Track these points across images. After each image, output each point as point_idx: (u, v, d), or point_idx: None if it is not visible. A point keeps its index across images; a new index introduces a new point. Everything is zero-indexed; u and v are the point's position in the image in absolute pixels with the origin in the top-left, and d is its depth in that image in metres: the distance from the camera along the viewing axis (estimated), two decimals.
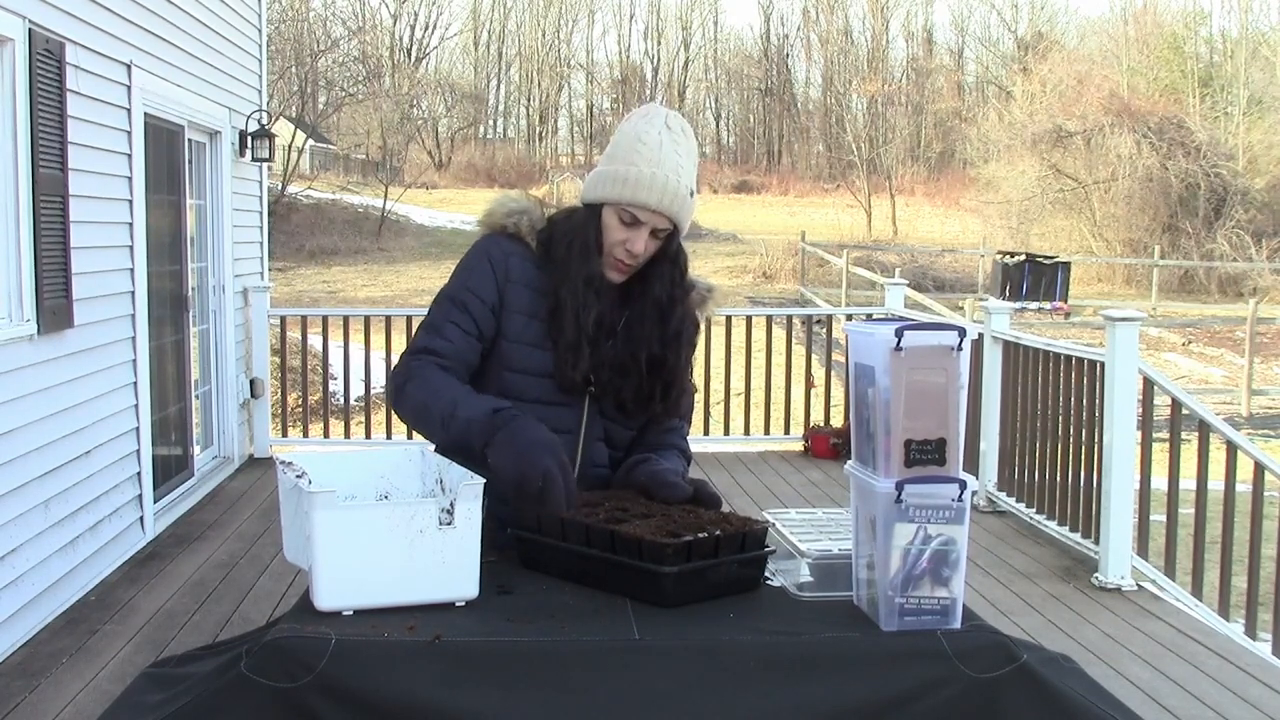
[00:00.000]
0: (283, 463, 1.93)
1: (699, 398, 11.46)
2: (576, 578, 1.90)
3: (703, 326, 2.43)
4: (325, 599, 1.71)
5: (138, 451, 5.51)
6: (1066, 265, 23.41)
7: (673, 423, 2.32)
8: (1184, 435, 5.30)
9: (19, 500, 4.27)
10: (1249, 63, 34.56)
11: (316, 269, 24.53)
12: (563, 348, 2.16)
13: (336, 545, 1.71)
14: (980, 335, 6.40)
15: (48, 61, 4.44)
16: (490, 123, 55.46)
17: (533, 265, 2.21)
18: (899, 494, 1.66)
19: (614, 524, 1.87)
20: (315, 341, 8.64)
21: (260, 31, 8.03)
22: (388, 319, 7.93)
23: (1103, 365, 5.20)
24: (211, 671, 1.69)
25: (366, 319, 8.08)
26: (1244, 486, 5.02)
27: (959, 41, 54.03)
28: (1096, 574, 5.19)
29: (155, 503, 5.77)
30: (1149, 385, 5.33)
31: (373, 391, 8.19)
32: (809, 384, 8.49)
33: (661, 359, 2.22)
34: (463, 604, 1.78)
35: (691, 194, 2.16)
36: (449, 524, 1.75)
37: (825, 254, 24.49)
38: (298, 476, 1.87)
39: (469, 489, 1.77)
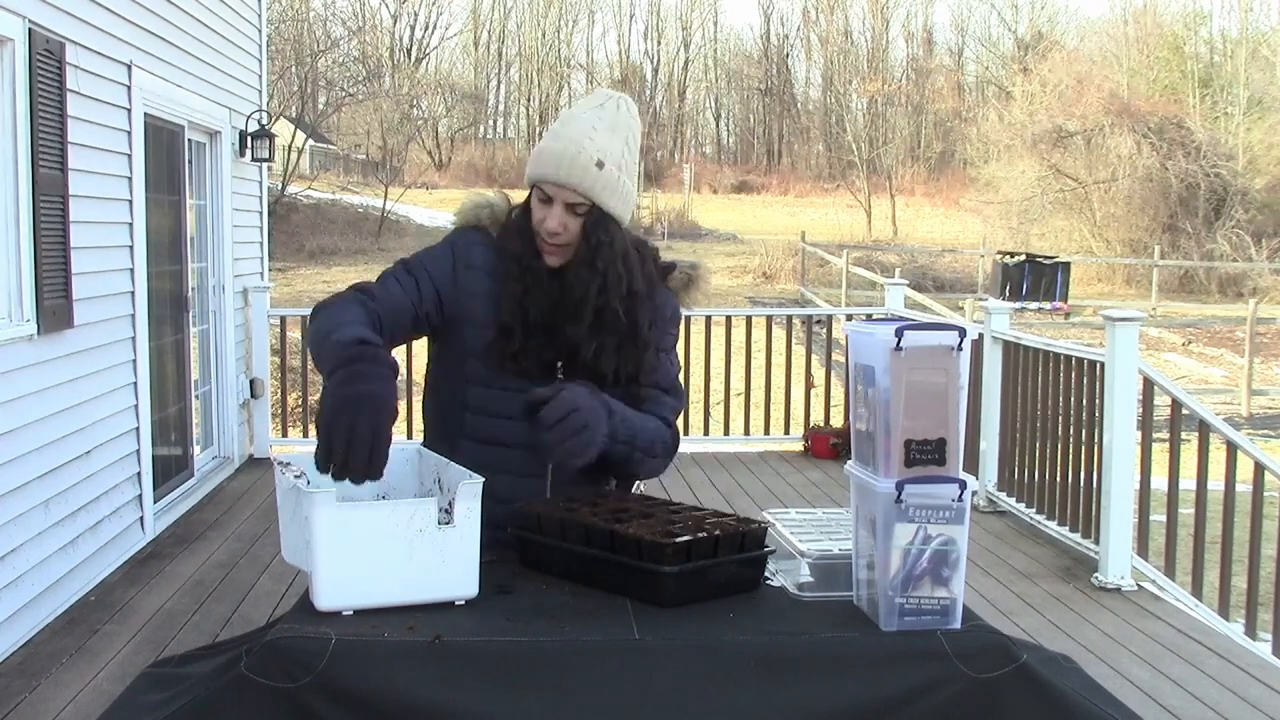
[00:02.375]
0: (280, 463, 1.93)
1: (699, 398, 11.36)
2: (576, 578, 1.90)
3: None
4: (325, 599, 1.71)
5: (138, 451, 5.51)
6: (1066, 265, 23.41)
7: (653, 394, 2.25)
8: (1184, 435, 5.30)
9: (19, 500, 4.27)
10: (1249, 63, 34.56)
11: (316, 269, 24.52)
12: (497, 328, 2.16)
13: (336, 545, 1.71)
14: (980, 335, 6.40)
15: (48, 61, 4.44)
16: (490, 123, 55.48)
17: (494, 253, 2.22)
18: (899, 494, 1.66)
19: (614, 524, 1.87)
20: None
21: (260, 31, 8.03)
22: None
23: (1103, 365, 5.20)
24: (211, 671, 1.69)
25: None
26: (1244, 486, 5.02)
27: (959, 41, 54.07)
28: (1096, 574, 5.19)
29: (155, 503, 5.76)
30: (1149, 385, 5.33)
31: None
32: (809, 384, 8.49)
33: (574, 343, 2.17)
34: (463, 603, 1.78)
35: (600, 165, 2.10)
36: (448, 523, 1.75)
37: (825, 254, 24.49)
38: (296, 477, 1.86)
39: (468, 488, 1.77)
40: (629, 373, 2.21)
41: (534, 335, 2.16)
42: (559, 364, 2.18)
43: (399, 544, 1.73)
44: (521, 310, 2.15)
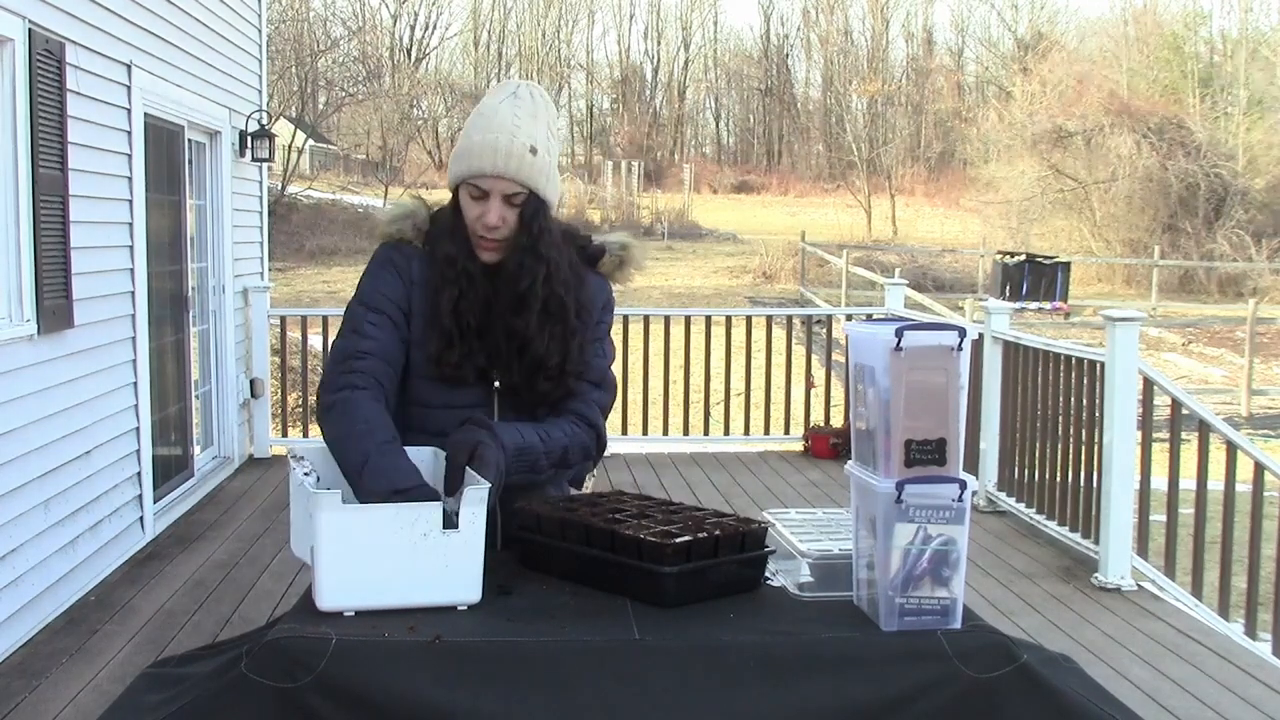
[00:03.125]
0: (295, 457, 1.93)
1: (699, 398, 11.29)
2: (576, 578, 1.90)
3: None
4: (327, 599, 1.71)
5: (138, 451, 5.51)
6: (1066, 265, 23.41)
7: (580, 387, 2.20)
8: (1184, 435, 5.30)
9: (19, 500, 4.27)
10: (1249, 63, 34.52)
11: (316, 269, 24.51)
12: (435, 333, 2.12)
13: (340, 546, 1.71)
14: (980, 335, 6.40)
15: (48, 61, 4.44)
16: None
17: (428, 266, 2.18)
18: (899, 494, 1.66)
19: (614, 524, 1.87)
20: (315, 341, 8.64)
21: (260, 31, 8.03)
22: None
23: (1103, 365, 5.20)
24: (211, 671, 1.69)
25: None
26: (1244, 486, 5.02)
27: (959, 41, 54.04)
28: (1096, 574, 5.19)
29: (155, 503, 5.76)
30: (1149, 385, 5.32)
31: None
32: (809, 384, 8.49)
33: (511, 328, 2.12)
34: (465, 608, 1.78)
35: (534, 151, 2.08)
36: (453, 528, 1.75)
37: (825, 254, 24.49)
38: (305, 474, 1.86)
39: (474, 493, 1.77)
40: (530, 366, 2.16)
41: (470, 340, 2.13)
42: (493, 370, 2.15)
43: (403, 547, 1.73)
44: (456, 315, 2.11)
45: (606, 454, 2.44)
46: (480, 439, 1.94)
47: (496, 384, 2.17)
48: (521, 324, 2.12)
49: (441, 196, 2.28)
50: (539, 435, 2.11)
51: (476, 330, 2.13)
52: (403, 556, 1.73)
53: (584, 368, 2.20)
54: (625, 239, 2.33)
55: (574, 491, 2.31)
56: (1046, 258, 23.72)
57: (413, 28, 49.63)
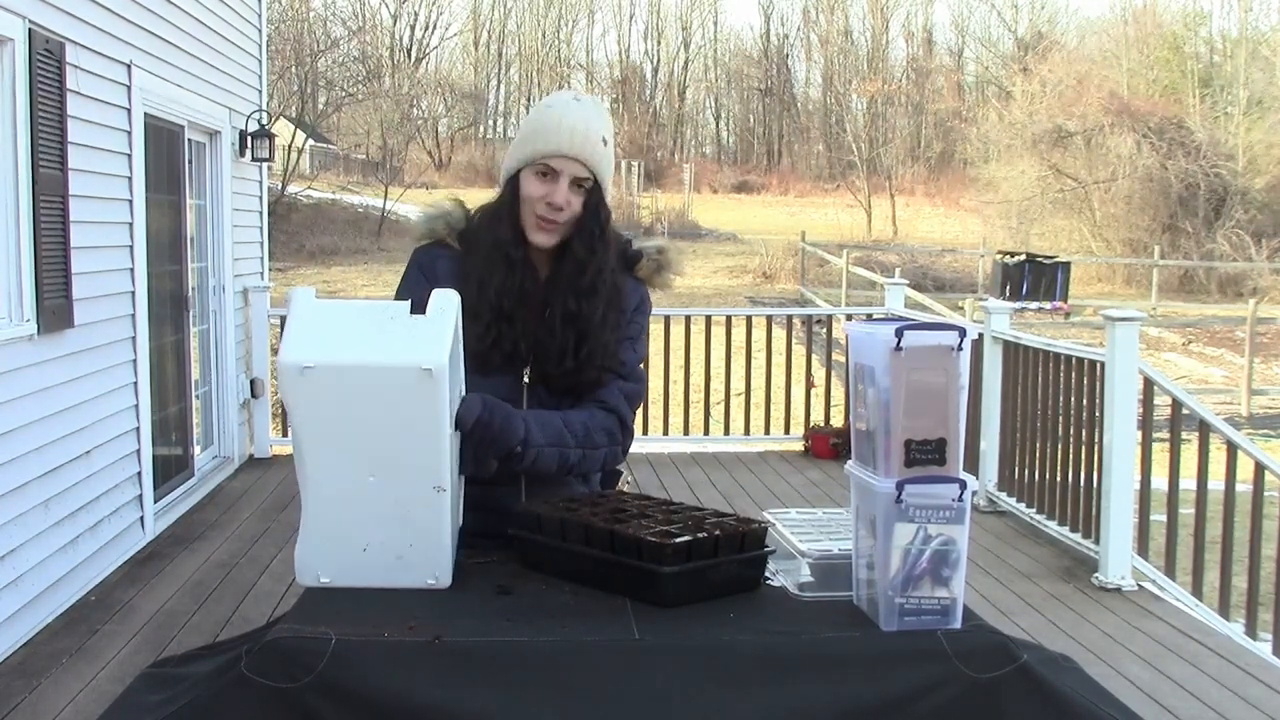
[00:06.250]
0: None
1: (699, 398, 11.30)
2: (576, 578, 1.90)
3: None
4: (292, 353, 1.75)
5: (138, 451, 5.51)
6: (1066, 265, 23.40)
7: (605, 378, 2.20)
8: (1184, 435, 5.30)
9: (19, 500, 4.27)
10: (1249, 63, 34.51)
11: (316, 269, 24.50)
12: (468, 317, 2.10)
13: (309, 316, 1.79)
14: (980, 335, 6.40)
15: (48, 61, 4.44)
16: (490, 123, 55.46)
17: (458, 262, 2.20)
18: (899, 494, 1.66)
19: (614, 524, 1.87)
20: None
21: (260, 31, 8.03)
22: None
23: (1103, 365, 5.20)
24: (211, 671, 1.69)
25: None
26: (1244, 486, 5.02)
27: (959, 41, 54.02)
28: (1096, 574, 5.19)
29: (155, 503, 5.76)
30: (1149, 385, 5.33)
31: None
32: (809, 384, 8.49)
33: (575, 312, 2.15)
34: (428, 367, 1.76)
35: (605, 143, 2.14)
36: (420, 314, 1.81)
37: (825, 254, 24.48)
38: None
39: (441, 294, 1.84)
40: (587, 355, 2.17)
41: (500, 324, 2.15)
42: (521, 365, 2.16)
43: (370, 325, 1.79)
44: (497, 298, 2.14)
45: None
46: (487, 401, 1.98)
47: (526, 379, 2.17)
48: (589, 309, 2.15)
49: (470, 197, 2.33)
50: (557, 413, 2.14)
51: (507, 315, 2.15)
52: (370, 330, 1.79)
53: (614, 361, 2.22)
54: (663, 243, 2.35)
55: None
56: (1046, 257, 23.71)
57: (413, 28, 49.66)
